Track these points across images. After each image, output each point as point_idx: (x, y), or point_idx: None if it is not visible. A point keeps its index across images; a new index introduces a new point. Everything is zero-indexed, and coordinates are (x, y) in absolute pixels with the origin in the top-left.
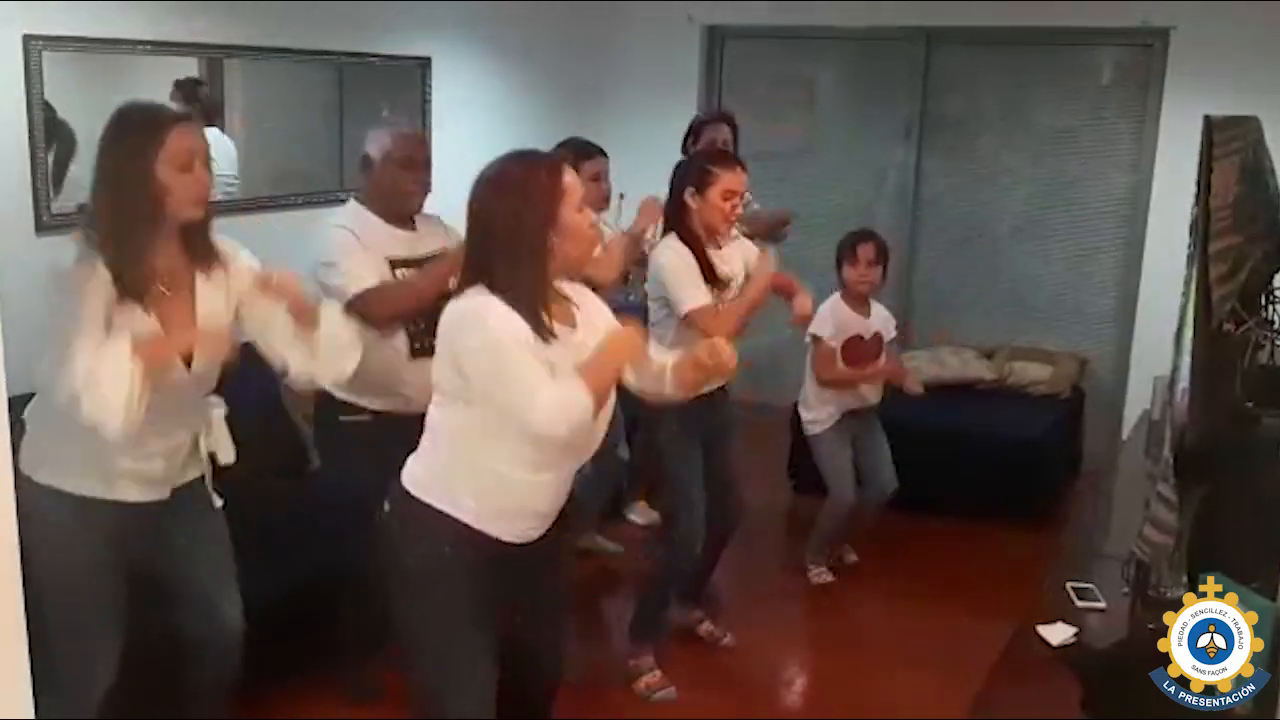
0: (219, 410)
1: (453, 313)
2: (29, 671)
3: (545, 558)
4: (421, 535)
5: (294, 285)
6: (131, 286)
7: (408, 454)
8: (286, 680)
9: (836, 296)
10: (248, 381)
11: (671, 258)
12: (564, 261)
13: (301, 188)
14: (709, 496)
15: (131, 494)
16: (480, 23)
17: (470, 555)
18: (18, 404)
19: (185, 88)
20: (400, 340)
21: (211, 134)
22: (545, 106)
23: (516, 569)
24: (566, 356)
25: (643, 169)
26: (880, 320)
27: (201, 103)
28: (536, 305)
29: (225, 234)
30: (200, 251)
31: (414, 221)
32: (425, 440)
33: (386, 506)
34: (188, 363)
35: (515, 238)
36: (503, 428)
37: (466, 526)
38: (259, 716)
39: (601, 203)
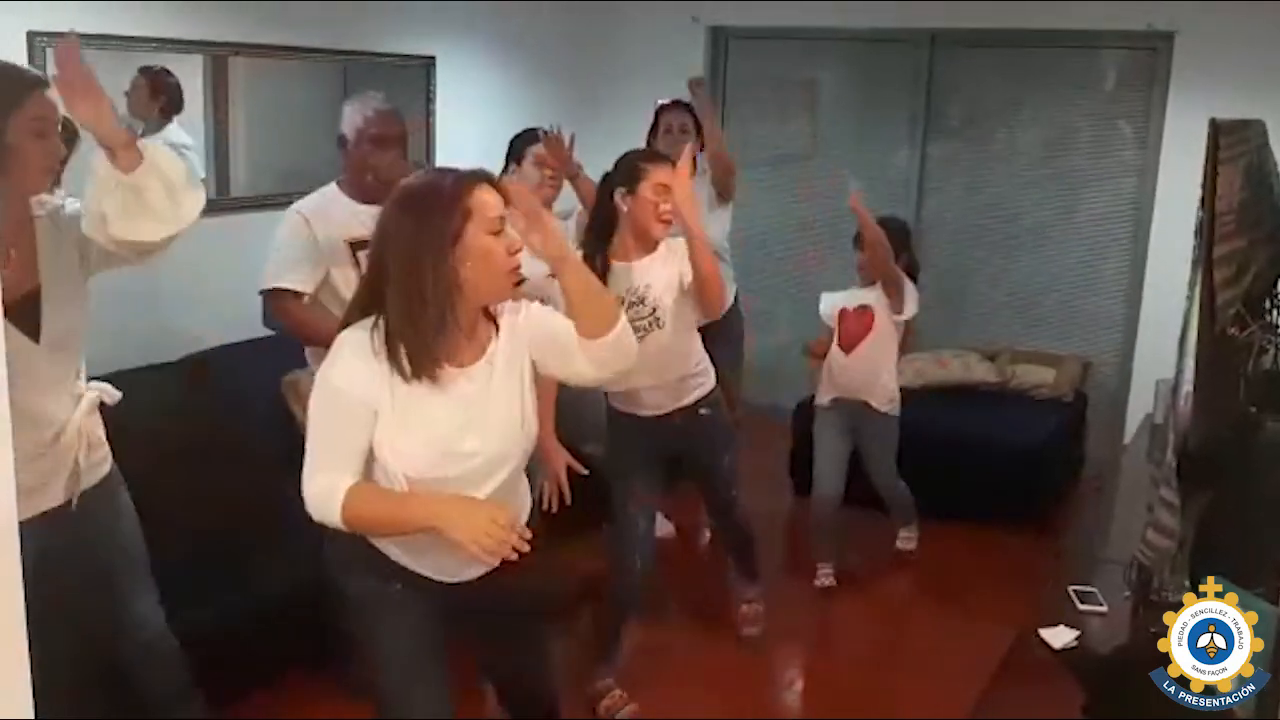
0: (91, 395)
1: (339, 340)
2: (29, 672)
3: (495, 589)
4: (354, 559)
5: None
6: None
7: None
8: (286, 678)
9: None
10: (247, 377)
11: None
12: (475, 292)
13: (305, 186)
14: (713, 516)
15: (44, 500)
16: (485, 23)
17: (400, 586)
18: None
19: (151, 75)
20: None
21: (177, 125)
22: (549, 107)
23: (463, 604)
24: (465, 396)
25: None
26: (880, 295)
27: (168, 93)
28: (424, 341)
29: (226, 232)
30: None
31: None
32: None
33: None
34: (35, 331)
35: (409, 264)
36: (394, 454)
37: (387, 560)
38: (258, 716)
39: (547, 189)
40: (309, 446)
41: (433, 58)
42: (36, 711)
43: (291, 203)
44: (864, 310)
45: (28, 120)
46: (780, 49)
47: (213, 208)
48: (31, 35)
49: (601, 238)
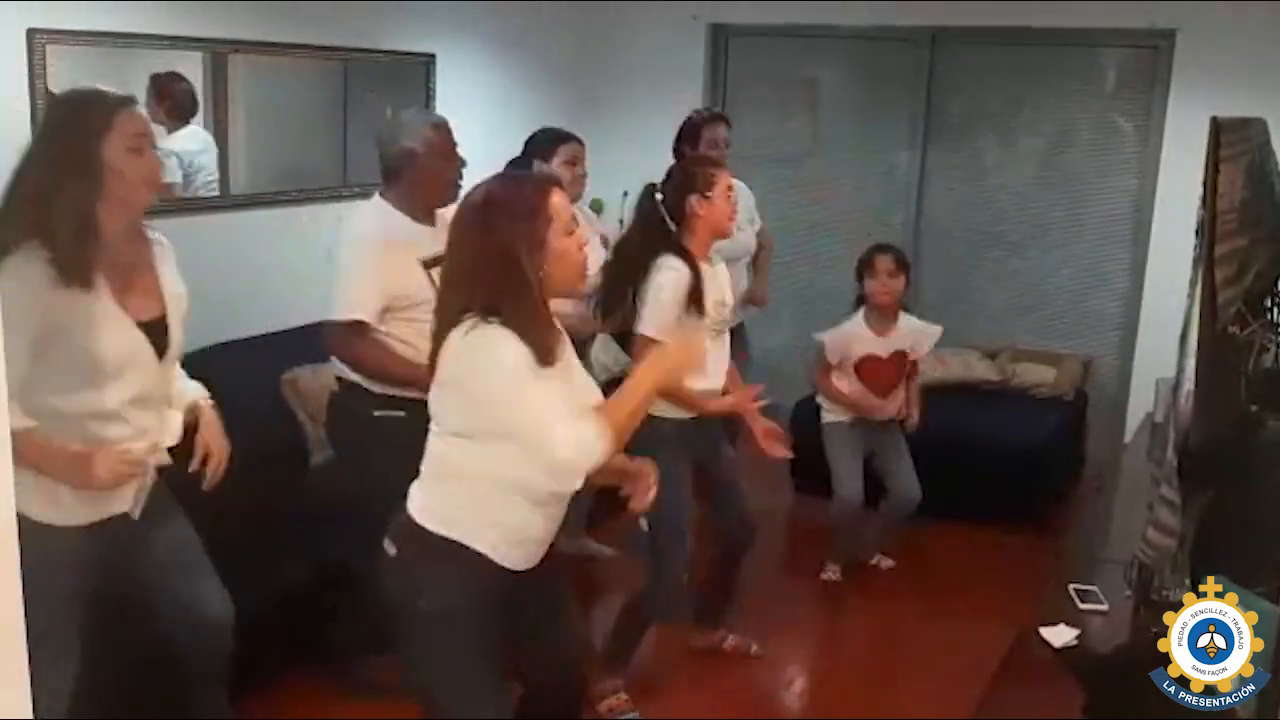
0: (199, 392)
1: (459, 345)
2: (28, 672)
3: (545, 576)
4: (438, 571)
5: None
6: (77, 271)
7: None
8: (286, 677)
9: (859, 314)
10: (247, 377)
11: (673, 278)
12: (553, 287)
13: (305, 184)
14: (716, 519)
15: (92, 511)
16: (485, 20)
17: (484, 589)
18: None
19: (162, 81)
20: None
21: (191, 130)
22: (549, 104)
23: (522, 595)
24: (565, 384)
25: (646, 167)
26: (908, 337)
27: (177, 97)
28: (539, 332)
29: (226, 231)
30: (145, 239)
31: (435, 216)
32: (430, 472)
33: (392, 548)
34: (162, 353)
35: (507, 265)
36: (517, 461)
37: (483, 558)
38: (258, 716)
39: (577, 188)
40: (529, 426)
41: (433, 55)
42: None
43: (290, 200)
44: (898, 356)
45: (121, 139)
46: (781, 47)
47: (212, 206)
48: (31, 33)
49: (678, 243)
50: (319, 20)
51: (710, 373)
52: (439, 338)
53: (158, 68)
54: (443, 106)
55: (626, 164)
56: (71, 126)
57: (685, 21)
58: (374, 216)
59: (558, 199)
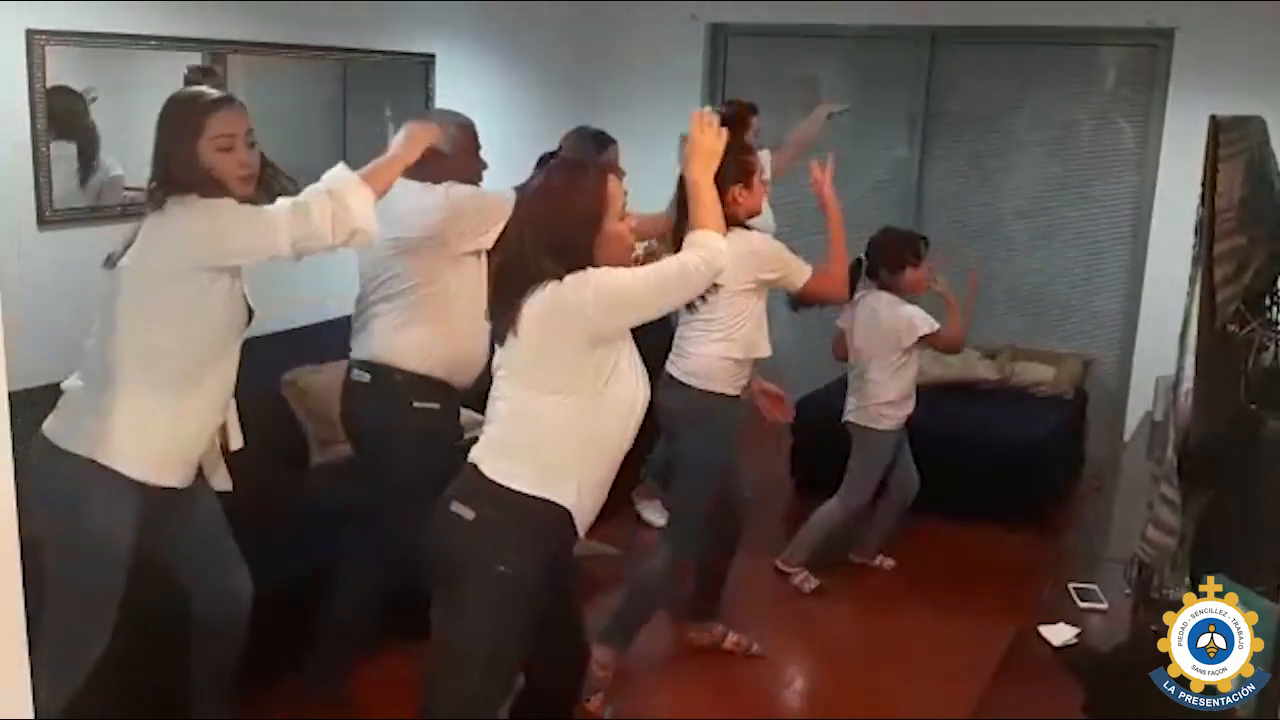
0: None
1: (549, 302)
2: (29, 672)
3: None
4: (520, 531)
5: None
6: None
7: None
8: (285, 679)
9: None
10: (247, 377)
11: (770, 242)
12: (600, 266)
13: (304, 184)
14: (720, 508)
15: (174, 477)
16: (484, 20)
17: (560, 547)
18: (17, 399)
19: (195, 76)
20: None
21: None
22: (549, 104)
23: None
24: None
25: (645, 166)
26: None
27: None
28: None
29: None
30: None
31: None
32: (506, 434)
33: (469, 512)
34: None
35: (567, 244)
36: (600, 409)
37: (566, 512)
38: (257, 716)
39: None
40: (677, 271)
41: (432, 55)
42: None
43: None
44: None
45: (212, 139)
46: (780, 46)
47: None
48: (31, 33)
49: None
50: (318, 20)
51: (762, 343)
52: (508, 310)
53: (158, 68)
54: (442, 106)
55: (626, 163)
56: (171, 130)
57: (684, 21)
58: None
59: (614, 185)
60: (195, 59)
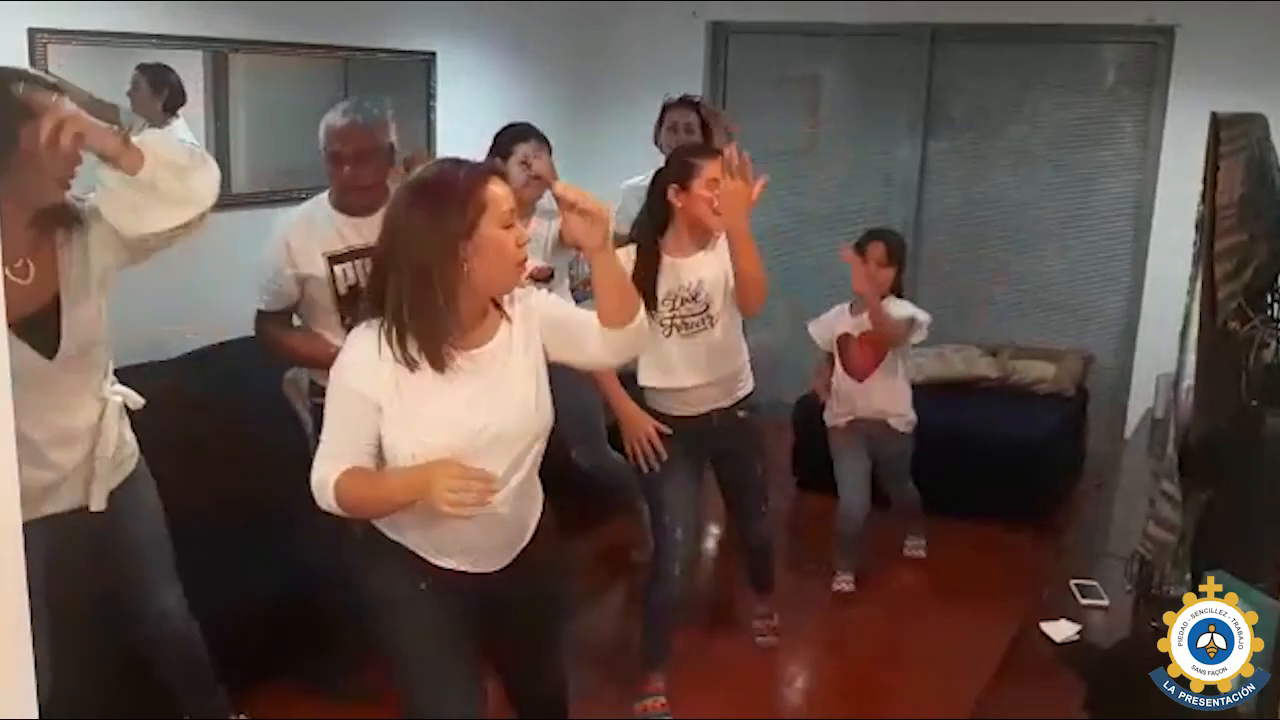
0: (115, 400)
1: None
2: (33, 672)
3: (522, 580)
4: (382, 560)
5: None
6: None
7: None
8: (284, 678)
9: (850, 302)
10: (247, 374)
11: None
12: (485, 283)
13: (305, 184)
14: (738, 523)
15: (43, 508)
16: (485, 19)
17: (428, 583)
18: None
19: (150, 73)
20: None
21: (182, 121)
22: (549, 102)
23: (490, 600)
24: (473, 379)
25: (645, 165)
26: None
27: (170, 89)
28: (434, 330)
29: (226, 229)
30: (56, 216)
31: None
32: None
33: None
34: (52, 350)
35: (422, 256)
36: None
37: (418, 557)
38: (256, 716)
39: (531, 189)
40: (322, 437)
41: (433, 54)
42: (56, 705)
43: (292, 199)
44: (869, 335)
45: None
46: (781, 45)
47: (212, 205)
48: (32, 32)
49: (655, 234)
50: (319, 19)
51: (679, 372)
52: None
53: None
54: (443, 106)
55: (626, 162)
56: None
57: (685, 19)
58: (308, 205)
59: (497, 189)
60: (195, 57)
